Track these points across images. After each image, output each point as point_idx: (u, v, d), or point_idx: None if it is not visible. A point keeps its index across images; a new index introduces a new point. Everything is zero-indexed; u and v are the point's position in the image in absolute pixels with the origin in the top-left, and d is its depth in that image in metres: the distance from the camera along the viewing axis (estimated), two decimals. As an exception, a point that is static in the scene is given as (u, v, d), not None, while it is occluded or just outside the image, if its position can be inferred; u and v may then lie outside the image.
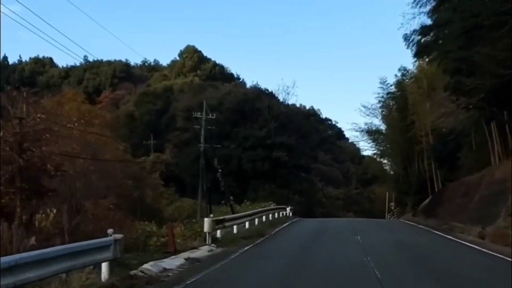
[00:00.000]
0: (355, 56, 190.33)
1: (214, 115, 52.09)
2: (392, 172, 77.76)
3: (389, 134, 68.49)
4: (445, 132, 52.64)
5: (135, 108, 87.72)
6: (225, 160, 65.00)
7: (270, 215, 38.78)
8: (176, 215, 56.03)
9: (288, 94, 68.85)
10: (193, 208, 61.41)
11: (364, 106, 73.56)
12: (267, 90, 70.16)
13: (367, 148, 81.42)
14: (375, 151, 77.20)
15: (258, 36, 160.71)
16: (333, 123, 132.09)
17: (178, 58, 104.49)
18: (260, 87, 70.24)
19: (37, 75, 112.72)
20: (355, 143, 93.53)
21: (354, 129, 75.24)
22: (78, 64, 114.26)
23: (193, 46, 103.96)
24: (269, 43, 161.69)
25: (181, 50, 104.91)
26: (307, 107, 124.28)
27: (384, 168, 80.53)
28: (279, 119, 65.98)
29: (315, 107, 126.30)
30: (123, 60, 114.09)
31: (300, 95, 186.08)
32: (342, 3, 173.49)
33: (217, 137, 66.19)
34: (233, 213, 43.67)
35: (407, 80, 65.88)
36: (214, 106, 67.44)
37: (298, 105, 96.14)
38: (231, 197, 50.76)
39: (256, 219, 32.29)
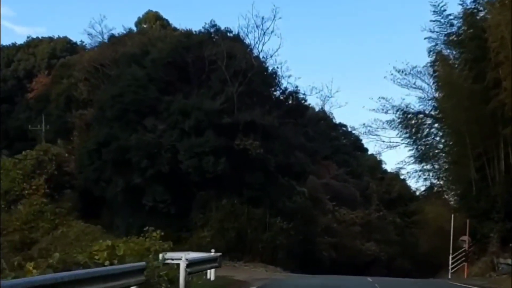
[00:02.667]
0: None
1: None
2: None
3: (448, 111, 37.62)
4: None
5: (51, 85, 57.82)
6: (147, 152, 34.65)
7: None
8: (52, 250, 31.37)
9: (264, 34, 37.83)
10: (85, 233, 35.82)
11: (399, 71, 43.19)
12: (230, 30, 39.22)
13: (399, 143, 49.84)
14: (412, 152, 46.25)
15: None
16: (349, 129, 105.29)
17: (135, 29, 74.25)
18: (217, 26, 39.21)
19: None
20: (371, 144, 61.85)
21: (382, 108, 44.12)
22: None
23: (156, 12, 73.86)
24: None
25: (139, 18, 74.87)
26: (317, 109, 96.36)
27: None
28: (247, 79, 35.29)
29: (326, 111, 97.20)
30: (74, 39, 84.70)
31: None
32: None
33: (135, 111, 35.75)
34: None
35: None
36: (136, 57, 37.37)
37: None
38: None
39: None
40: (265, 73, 38.31)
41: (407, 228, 73.54)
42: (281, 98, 40.34)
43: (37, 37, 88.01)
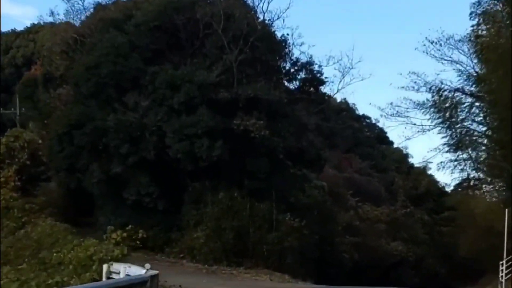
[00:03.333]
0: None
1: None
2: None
3: (493, 85, 31.42)
4: None
5: (39, 70, 52.96)
6: (128, 135, 28.73)
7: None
8: (12, 254, 26.62)
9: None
10: (47, 234, 28.46)
11: (432, 42, 37.23)
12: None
13: (431, 126, 44.08)
14: (446, 139, 40.73)
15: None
16: (373, 121, 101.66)
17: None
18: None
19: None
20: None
21: (413, 85, 38.35)
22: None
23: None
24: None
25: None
26: (338, 100, 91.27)
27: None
28: (249, 45, 29.24)
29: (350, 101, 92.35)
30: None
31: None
32: None
33: (114, 86, 29.96)
34: None
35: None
36: (117, 22, 31.65)
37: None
38: None
39: None
40: (272, 39, 32.13)
41: (436, 225, 69.63)
42: (292, 70, 34.22)
43: (39, 23, 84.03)
